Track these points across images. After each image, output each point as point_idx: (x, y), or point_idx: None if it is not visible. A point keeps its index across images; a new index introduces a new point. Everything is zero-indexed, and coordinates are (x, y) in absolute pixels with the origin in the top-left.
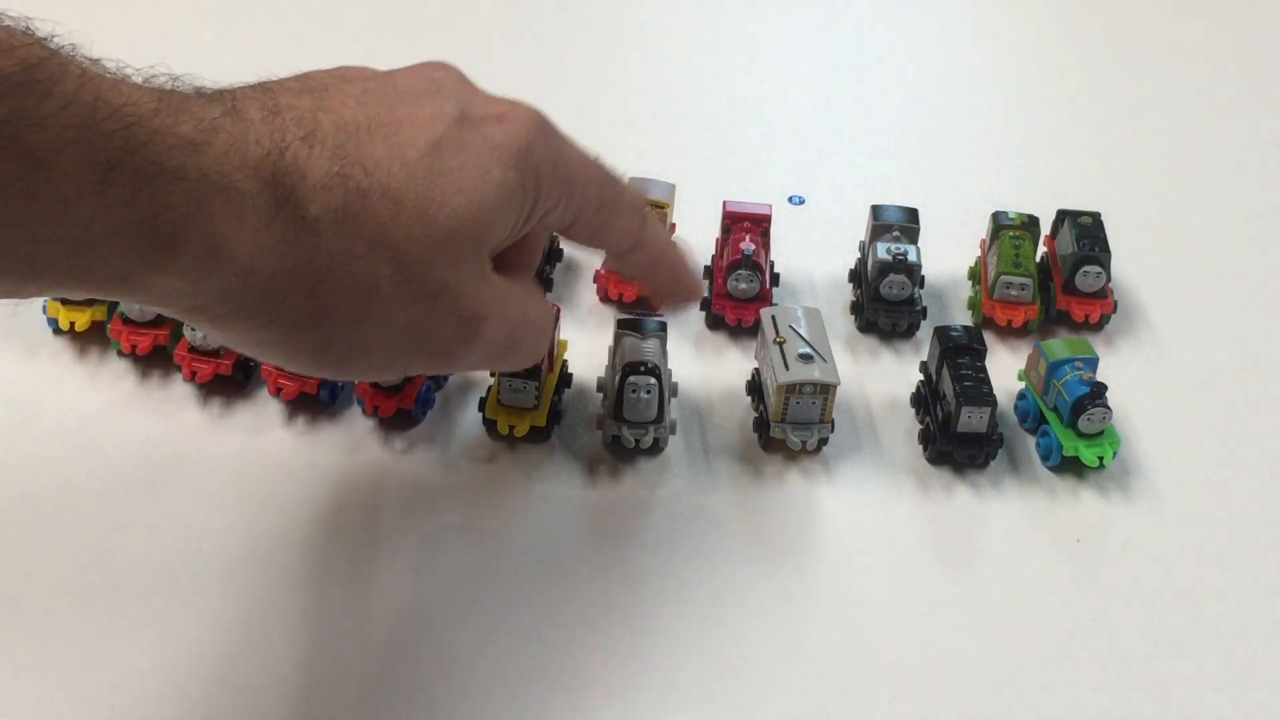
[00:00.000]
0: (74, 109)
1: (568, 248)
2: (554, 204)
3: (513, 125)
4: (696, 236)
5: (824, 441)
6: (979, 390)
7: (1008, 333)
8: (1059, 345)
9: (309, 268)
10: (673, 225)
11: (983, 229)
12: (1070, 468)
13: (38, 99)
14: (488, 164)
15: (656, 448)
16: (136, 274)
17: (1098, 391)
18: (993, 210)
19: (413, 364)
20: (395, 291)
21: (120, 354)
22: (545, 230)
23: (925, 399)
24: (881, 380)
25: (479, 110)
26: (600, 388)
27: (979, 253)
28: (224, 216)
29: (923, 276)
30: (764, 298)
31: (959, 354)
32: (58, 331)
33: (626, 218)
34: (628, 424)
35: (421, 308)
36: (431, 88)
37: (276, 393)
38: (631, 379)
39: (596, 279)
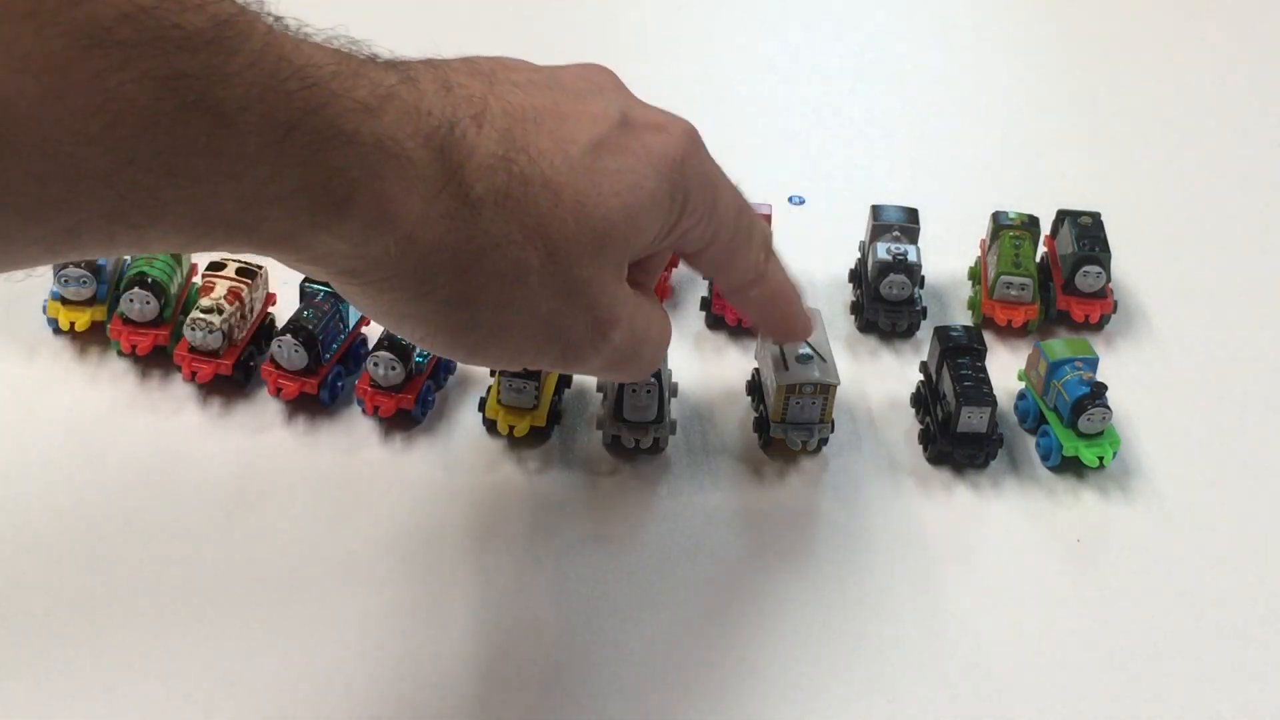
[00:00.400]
0: (259, 67)
1: None
2: (695, 222)
3: (670, 137)
4: None
5: (824, 441)
6: (979, 390)
7: (1008, 333)
8: (1059, 345)
9: (467, 246)
10: None
11: (983, 229)
12: (1070, 468)
13: (226, 55)
14: (644, 171)
15: (656, 448)
16: (302, 233)
17: (1098, 391)
18: (993, 210)
19: (541, 357)
20: (542, 282)
21: (120, 354)
22: (678, 248)
23: (925, 399)
24: (881, 380)
25: (639, 116)
26: (600, 388)
27: (979, 253)
28: (394, 182)
29: (923, 276)
30: None
31: (959, 354)
32: (58, 331)
33: (755, 250)
34: (628, 424)
35: (561, 302)
36: (594, 88)
37: (276, 393)
38: None
39: None
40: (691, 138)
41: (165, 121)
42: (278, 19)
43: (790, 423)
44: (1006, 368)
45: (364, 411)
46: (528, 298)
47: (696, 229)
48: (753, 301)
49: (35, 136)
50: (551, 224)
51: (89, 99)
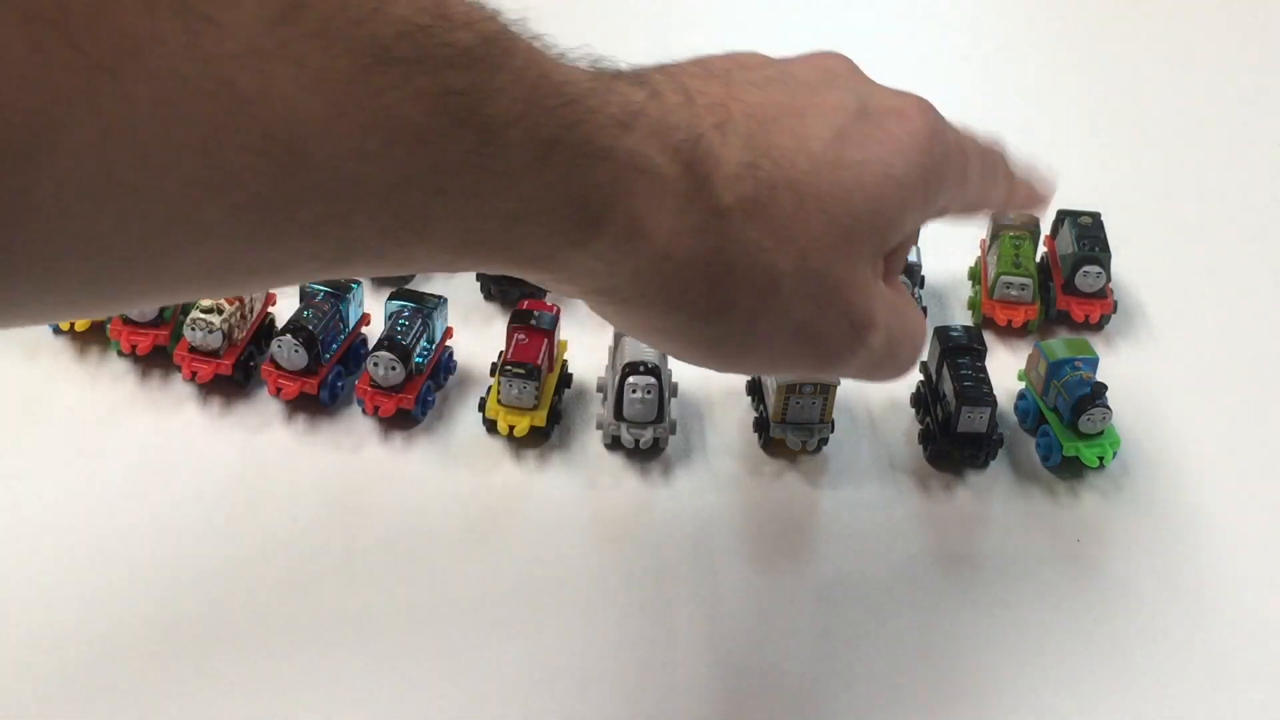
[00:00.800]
0: (522, 84)
1: None
2: (950, 199)
3: (913, 121)
4: None
5: (824, 441)
6: (979, 390)
7: (1008, 333)
8: (1059, 345)
9: (718, 257)
10: None
11: (983, 229)
12: (1070, 468)
13: (492, 72)
14: (890, 160)
15: (656, 448)
16: (560, 252)
17: (1098, 391)
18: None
19: (797, 364)
20: (794, 288)
21: (120, 354)
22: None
23: (925, 399)
24: None
25: (878, 103)
26: (600, 388)
27: (979, 253)
28: (646, 198)
29: (923, 276)
30: None
31: (959, 354)
32: (58, 331)
33: (1003, 183)
34: (628, 424)
35: (815, 307)
36: (828, 78)
37: (276, 393)
38: (631, 379)
39: None
40: (932, 116)
41: (437, 138)
42: (536, 37)
43: (790, 423)
44: (1006, 368)
45: (364, 411)
46: (780, 306)
47: (952, 204)
48: (1005, 212)
49: (322, 154)
50: (799, 226)
51: (369, 116)
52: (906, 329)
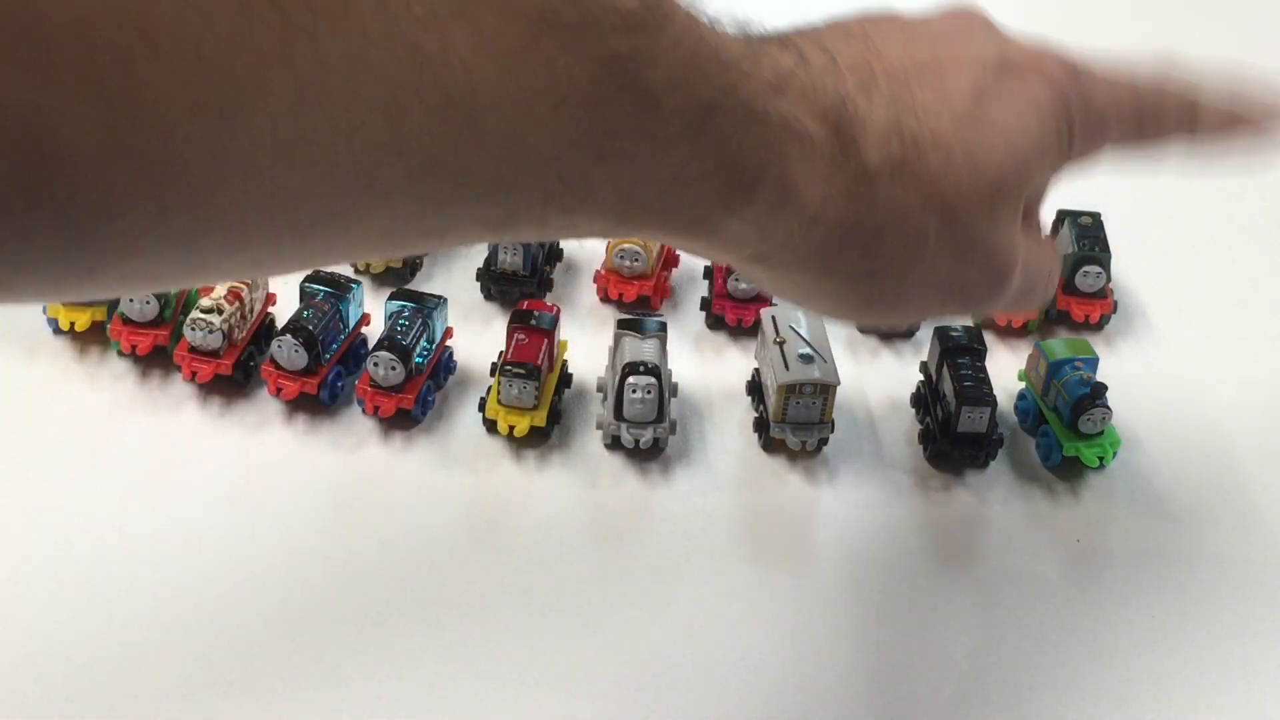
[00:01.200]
0: (681, 49)
1: (567, 247)
2: (1086, 150)
3: (1049, 75)
4: None
5: (824, 442)
6: (979, 390)
7: (1008, 333)
8: (1059, 345)
9: (868, 220)
10: None
11: None
12: (1070, 468)
13: (653, 37)
14: (1029, 116)
15: (656, 448)
16: (714, 217)
17: (1098, 392)
18: None
19: (944, 311)
20: (939, 245)
21: (120, 354)
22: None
23: (925, 399)
24: (881, 380)
25: (1015, 57)
26: (600, 388)
27: None
28: (798, 162)
29: None
30: (764, 298)
31: (959, 354)
32: (58, 331)
33: (1171, 122)
34: (628, 424)
35: (959, 261)
36: (964, 32)
37: (276, 393)
38: (631, 379)
39: (596, 279)
40: (1069, 71)
41: (601, 103)
42: (690, 2)
43: (790, 423)
44: (1006, 368)
45: (364, 411)
46: (929, 262)
47: (1087, 155)
48: (1202, 147)
49: (494, 117)
50: (946, 183)
51: (539, 81)
52: (1041, 266)
